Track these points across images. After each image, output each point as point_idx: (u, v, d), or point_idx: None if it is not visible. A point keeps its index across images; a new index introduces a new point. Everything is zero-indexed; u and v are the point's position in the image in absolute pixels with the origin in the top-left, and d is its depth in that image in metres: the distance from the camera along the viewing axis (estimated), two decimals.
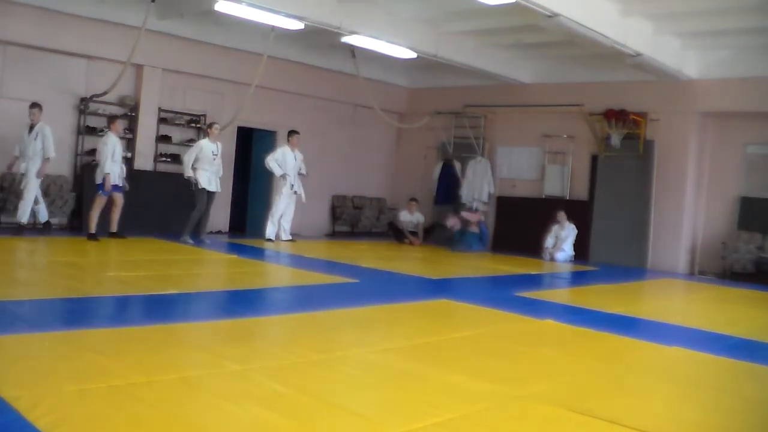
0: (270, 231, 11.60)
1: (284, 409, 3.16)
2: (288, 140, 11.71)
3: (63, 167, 10.70)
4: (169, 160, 11.75)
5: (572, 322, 6.07)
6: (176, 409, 3.05)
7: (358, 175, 14.89)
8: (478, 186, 13.83)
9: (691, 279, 11.42)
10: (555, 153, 13.31)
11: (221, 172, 10.89)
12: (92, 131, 10.89)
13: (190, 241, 10.24)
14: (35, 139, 9.39)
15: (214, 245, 10.32)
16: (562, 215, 12.16)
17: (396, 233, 13.61)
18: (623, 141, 12.14)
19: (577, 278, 10.48)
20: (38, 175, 9.45)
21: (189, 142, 11.74)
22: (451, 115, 14.39)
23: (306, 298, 6.70)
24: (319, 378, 3.74)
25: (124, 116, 11.24)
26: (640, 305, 8.04)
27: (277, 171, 11.47)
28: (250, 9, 9.10)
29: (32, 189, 9.47)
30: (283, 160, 11.49)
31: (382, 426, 3.06)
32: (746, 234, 11.42)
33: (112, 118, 10.26)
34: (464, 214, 13.14)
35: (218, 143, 10.69)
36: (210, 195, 10.63)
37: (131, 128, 11.30)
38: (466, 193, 13.95)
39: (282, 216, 11.64)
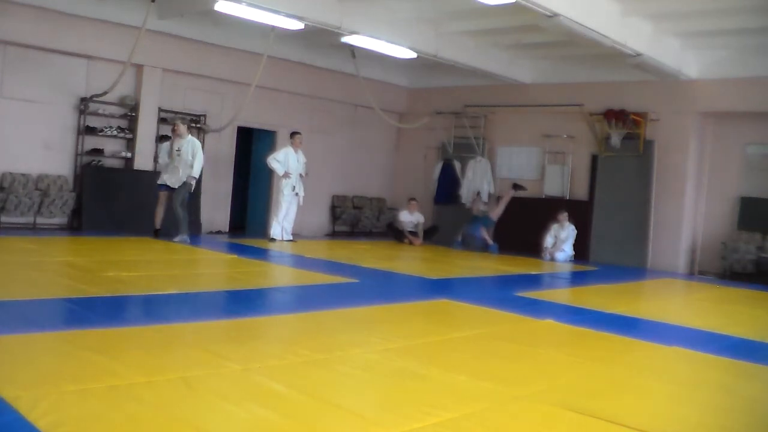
0: (275, 231, 11.59)
1: (284, 409, 3.16)
2: (291, 141, 11.70)
3: (63, 167, 10.69)
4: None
5: (572, 322, 6.07)
6: (176, 409, 3.05)
7: (358, 175, 14.89)
8: (478, 186, 13.84)
9: (691, 279, 11.42)
10: (555, 153, 13.32)
11: (191, 170, 10.09)
12: (92, 131, 10.89)
13: (176, 239, 10.09)
14: None
15: (214, 245, 10.32)
16: (564, 215, 12.16)
17: (395, 234, 13.61)
18: (623, 141, 12.16)
19: (577, 278, 10.47)
20: None
21: None
22: (451, 115, 14.39)
23: (306, 298, 6.70)
24: (319, 378, 3.74)
25: (124, 116, 11.25)
26: (640, 305, 8.03)
27: (279, 169, 11.46)
28: (250, 9, 9.09)
29: None
30: (285, 161, 11.48)
31: (382, 426, 3.05)
32: (746, 234, 11.42)
33: (176, 126, 10.25)
34: (492, 215, 13.17)
35: (189, 139, 10.25)
36: (174, 191, 10.21)
37: (131, 128, 11.29)
38: (466, 193, 13.96)
39: (284, 216, 11.66)
